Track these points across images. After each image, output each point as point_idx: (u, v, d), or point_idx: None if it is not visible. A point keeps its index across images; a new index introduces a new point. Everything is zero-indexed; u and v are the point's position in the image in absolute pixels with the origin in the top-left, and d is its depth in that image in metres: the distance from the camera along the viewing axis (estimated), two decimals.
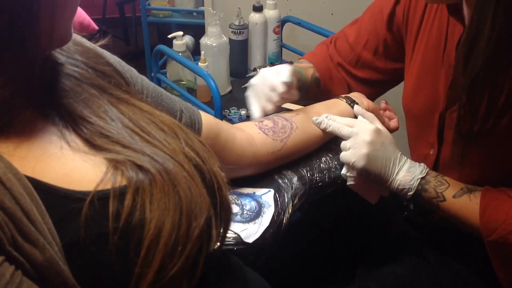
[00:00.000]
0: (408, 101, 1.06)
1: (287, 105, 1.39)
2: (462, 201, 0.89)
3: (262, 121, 0.96)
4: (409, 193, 0.92)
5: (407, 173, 0.92)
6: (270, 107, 1.02)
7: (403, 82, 1.11)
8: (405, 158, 0.94)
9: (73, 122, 0.58)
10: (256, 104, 1.04)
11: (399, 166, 0.93)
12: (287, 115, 1.00)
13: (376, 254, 1.08)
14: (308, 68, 1.16)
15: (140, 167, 0.54)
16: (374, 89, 1.20)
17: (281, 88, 0.99)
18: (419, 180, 0.91)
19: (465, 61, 0.76)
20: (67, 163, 0.54)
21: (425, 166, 0.94)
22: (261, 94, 1.02)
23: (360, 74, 1.17)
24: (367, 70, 1.16)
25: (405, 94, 1.07)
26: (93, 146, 0.56)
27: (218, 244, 0.61)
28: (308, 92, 1.14)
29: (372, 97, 1.22)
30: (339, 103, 1.06)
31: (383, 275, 1.01)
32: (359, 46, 1.15)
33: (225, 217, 0.61)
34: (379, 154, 0.92)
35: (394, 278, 1.00)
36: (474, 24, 0.73)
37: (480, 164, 0.91)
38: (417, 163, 0.94)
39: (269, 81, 1.01)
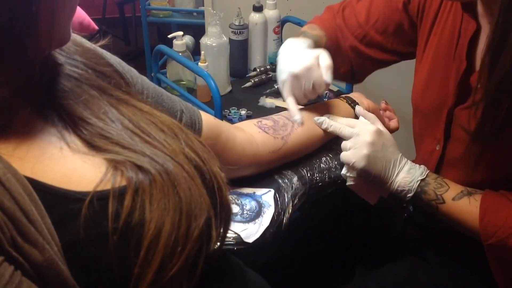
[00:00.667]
0: (417, 96, 1.05)
1: (286, 105, 1.39)
2: (462, 203, 0.89)
3: (261, 121, 0.95)
4: (408, 195, 0.92)
5: (407, 174, 0.92)
6: (304, 101, 1.00)
7: (413, 78, 1.10)
8: (406, 159, 0.94)
9: (73, 123, 0.58)
10: (291, 96, 1.00)
11: (399, 167, 0.93)
12: (288, 114, 1.00)
13: (376, 254, 1.08)
14: (322, 37, 1.11)
15: (140, 168, 0.54)
16: (374, 66, 1.19)
17: (323, 89, 0.98)
18: (419, 182, 0.91)
19: (492, 63, 0.75)
20: (67, 164, 0.54)
21: (425, 168, 0.93)
22: (301, 88, 0.98)
23: (364, 50, 1.15)
24: (372, 48, 1.14)
25: (415, 89, 1.07)
26: (92, 147, 0.56)
27: (218, 244, 0.61)
28: None
29: (370, 72, 1.21)
30: (339, 103, 1.06)
31: (383, 275, 1.01)
32: (368, 24, 1.13)
33: (225, 218, 0.61)
34: (380, 155, 0.92)
35: (394, 278, 1.00)
36: (500, 27, 0.72)
37: (487, 163, 0.91)
38: (417, 165, 0.94)
39: (313, 76, 0.97)
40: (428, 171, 0.93)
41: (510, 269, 0.87)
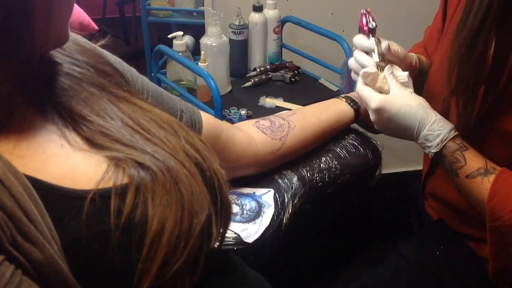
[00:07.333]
0: (428, 85, 1.05)
1: (286, 105, 1.39)
2: (474, 182, 0.87)
3: (258, 121, 0.95)
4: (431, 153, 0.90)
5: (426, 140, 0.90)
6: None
7: None
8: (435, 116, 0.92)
9: (73, 120, 0.58)
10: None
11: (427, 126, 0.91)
12: (284, 114, 1.00)
13: (375, 254, 1.08)
14: None
15: (141, 165, 0.54)
16: None
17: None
18: (432, 155, 0.90)
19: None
20: (67, 162, 0.54)
21: (442, 141, 0.89)
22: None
23: None
24: None
25: (428, 79, 1.07)
26: (93, 144, 0.56)
27: (218, 242, 0.61)
28: None
29: None
30: (338, 103, 1.06)
31: (366, 277, 1.01)
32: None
33: (225, 215, 0.61)
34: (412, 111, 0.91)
35: (376, 281, 1.00)
36: None
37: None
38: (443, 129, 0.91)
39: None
40: (445, 143, 0.89)
41: (509, 256, 0.85)
